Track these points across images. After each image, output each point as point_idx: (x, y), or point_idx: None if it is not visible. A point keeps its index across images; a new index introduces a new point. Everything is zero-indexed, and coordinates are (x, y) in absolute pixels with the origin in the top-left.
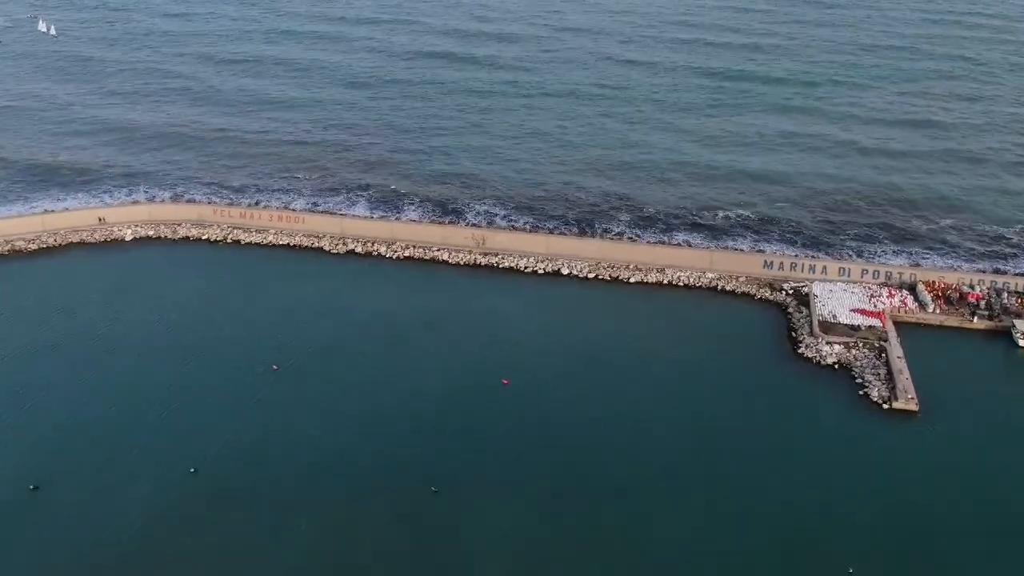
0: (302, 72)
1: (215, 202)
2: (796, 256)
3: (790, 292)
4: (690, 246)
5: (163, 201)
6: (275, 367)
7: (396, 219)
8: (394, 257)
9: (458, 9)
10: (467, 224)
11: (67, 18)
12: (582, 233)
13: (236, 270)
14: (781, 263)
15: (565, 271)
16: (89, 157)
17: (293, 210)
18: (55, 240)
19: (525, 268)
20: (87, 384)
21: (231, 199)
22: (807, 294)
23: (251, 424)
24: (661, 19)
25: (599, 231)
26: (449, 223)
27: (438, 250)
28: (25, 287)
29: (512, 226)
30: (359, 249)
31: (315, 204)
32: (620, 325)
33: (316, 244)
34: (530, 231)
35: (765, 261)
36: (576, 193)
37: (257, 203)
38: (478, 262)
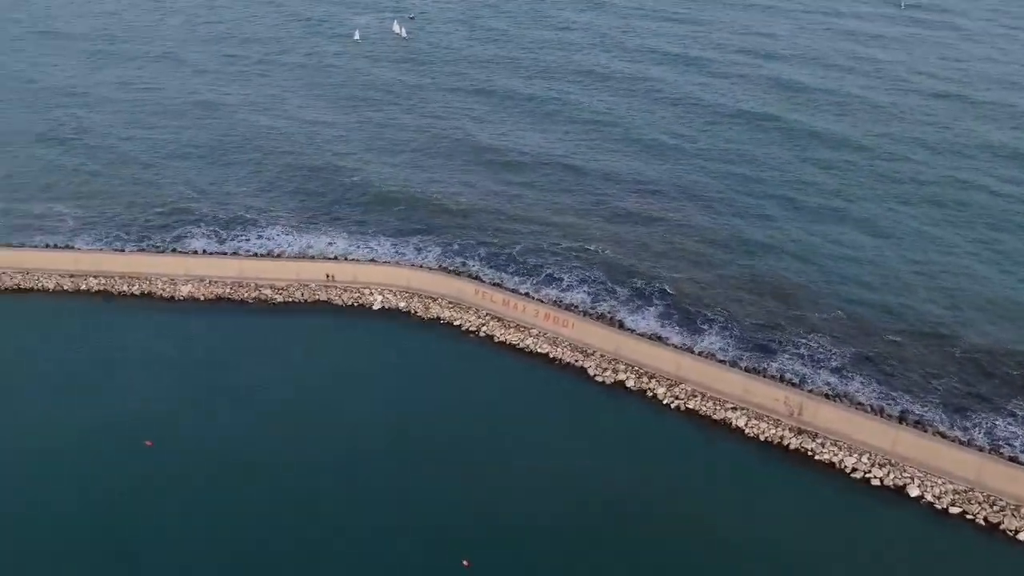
0: (594, 121)
1: (481, 278)
2: None
3: None
4: None
5: (425, 267)
6: (466, 562)
7: (687, 348)
8: (672, 405)
9: (796, 52)
10: (780, 374)
11: (424, 21)
12: (951, 430)
13: (477, 381)
14: None
15: (914, 491)
16: (374, 198)
17: (564, 307)
18: (303, 295)
19: (853, 470)
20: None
21: (499, 278)
22: None
23: None
24: None
25: (978, 427)
26: (756, 369)
27: (732, 408)
28: (246, 356)
29: (844, 394)
30: (631, 383)
31: (593, 302)
32: None
33: (580, 362)
34: (870, 412)
35: None
36: (948, 349)
37: (526, 290)
38: (786, 442)
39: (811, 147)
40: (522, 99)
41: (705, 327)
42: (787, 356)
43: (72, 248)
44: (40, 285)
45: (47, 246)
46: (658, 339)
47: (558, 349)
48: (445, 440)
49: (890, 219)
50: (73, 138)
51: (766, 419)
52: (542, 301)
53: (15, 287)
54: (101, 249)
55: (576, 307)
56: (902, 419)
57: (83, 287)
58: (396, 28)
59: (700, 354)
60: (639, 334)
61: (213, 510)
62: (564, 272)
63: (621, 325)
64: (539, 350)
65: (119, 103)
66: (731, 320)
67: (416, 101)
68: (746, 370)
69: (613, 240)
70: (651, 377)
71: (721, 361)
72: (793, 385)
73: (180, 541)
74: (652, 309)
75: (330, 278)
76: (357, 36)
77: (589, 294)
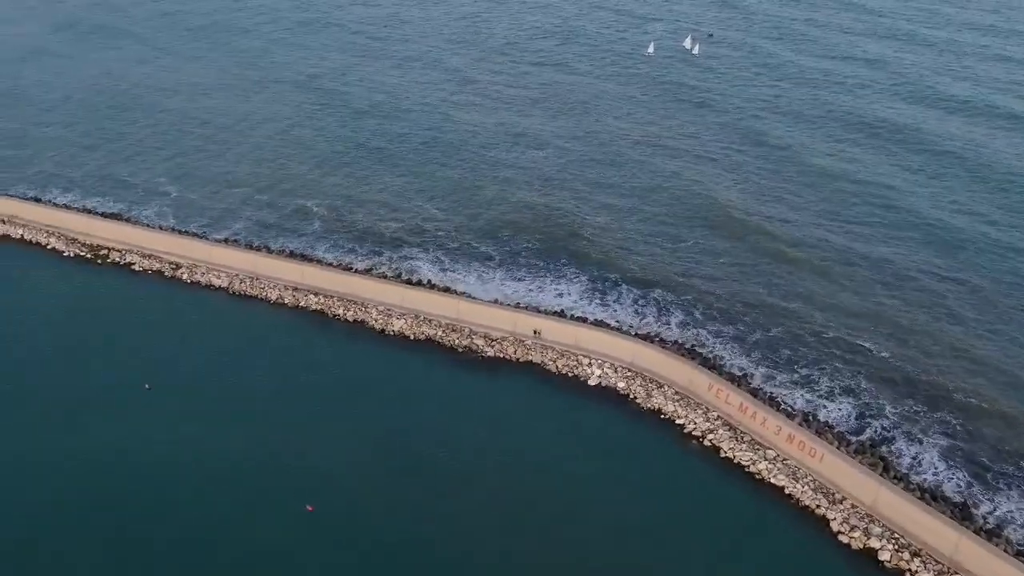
0: (878, 185)
1: (720, 367)
2: None
3: None
4: None
5: (656, 340)
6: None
7: (972, 524)
8: None
9: None
10: None
11: (719, 40)
12: None
13: (686, 507)
14: None
15: None
16: (614, 249)
17: (815, 429)
18: (515, 352)
19: None
20: None
21: (740, 369)
22: None
23: None
24: None
25: None
26: None
27: None
28: (440, 418)
29: None
30: (886, 555)
31: (856, 421)
32: None
33: (822, 510)
34: None
35: None
36: None
37: (771, 391)
38: None
39: None
40: (799, 151)
41: (1001, 491)
42: None
43: (304, 258)
44: (264, 295)
45: (281, 252)
46: (933, 498)
47: (797, 485)
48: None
49: None
50: (324, 136)
51: None
52: (789, 413)
53: (242, 293)
54: (330, 264)
55: (831, 428)
56: None
57: (302, 303)
58: (688, 44)
59: (990, 536)
60: (909, 487)
61: None
62: (823, 375)
63: (886, 468)
64: (773, 480)
65: (368, 102)
66: None
67: (684, 141)
68: None
69: (891, 342)
70: (915, 554)
71: (1021, 555)
72: None
73: None
74: (931, 450)
75: (537, 335)
76: (651, 49)
77: (852, 409)
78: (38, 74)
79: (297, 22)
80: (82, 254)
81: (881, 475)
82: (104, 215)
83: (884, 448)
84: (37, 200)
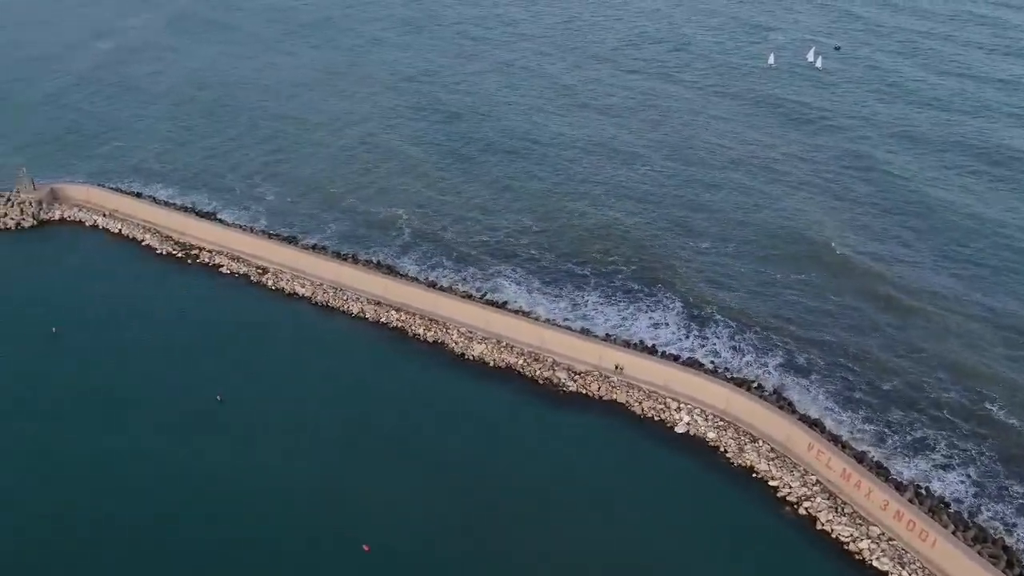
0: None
1: (821, 424)
2: None
3: None
4: None
5: (753, 386)
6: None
7: None
8: None
9: None
10: None
11: (847, 53)
12: None
13: None
14: None
15: None
16: (713, 282)
17: (928, 507)
18: (599, 388)
19: None
20: None
21: (843, 426)
22: None
23: None
24: None
25: None
26: None
27: None
28: (514, 457)
29: None
30: None
31: (974, 500)
32: None
33: None
34: None
35: None
36: None
37: (878, 457)
38: None
39: None
40: (918, 181)
41: None
42: None
43: (389, 271)
44: (346, 307)
45: (367, 263)
46: None
47: (903, 573)
48: None
49: None
50: (417, 140)
51: None
52: (898, 485)
53: (325, 303)
54: (414, 279)
55: (946, 506)
56: None
57: (383, 319)
58: (811, 57)
59: None
60: None
61: None
62: (939, 442)
63: (1010, 563)
64: (875, 563)
65: (462, 106)
66: None
67: (792, 163)
68: None
69: (1017, 408)
70: None
71: None
72: None
73: None
74: None
75: (619, 370)
76: (771, 60)
77: (970, 486)
78: (148, 66)
79: (402, 20)
80: (174, 252)
81: (1004, 571)
82: (198, 214)
83: (1005, 533)
84: (138, 195)
